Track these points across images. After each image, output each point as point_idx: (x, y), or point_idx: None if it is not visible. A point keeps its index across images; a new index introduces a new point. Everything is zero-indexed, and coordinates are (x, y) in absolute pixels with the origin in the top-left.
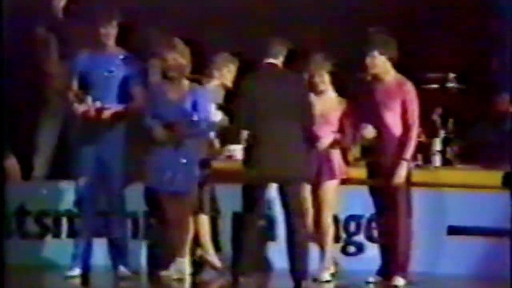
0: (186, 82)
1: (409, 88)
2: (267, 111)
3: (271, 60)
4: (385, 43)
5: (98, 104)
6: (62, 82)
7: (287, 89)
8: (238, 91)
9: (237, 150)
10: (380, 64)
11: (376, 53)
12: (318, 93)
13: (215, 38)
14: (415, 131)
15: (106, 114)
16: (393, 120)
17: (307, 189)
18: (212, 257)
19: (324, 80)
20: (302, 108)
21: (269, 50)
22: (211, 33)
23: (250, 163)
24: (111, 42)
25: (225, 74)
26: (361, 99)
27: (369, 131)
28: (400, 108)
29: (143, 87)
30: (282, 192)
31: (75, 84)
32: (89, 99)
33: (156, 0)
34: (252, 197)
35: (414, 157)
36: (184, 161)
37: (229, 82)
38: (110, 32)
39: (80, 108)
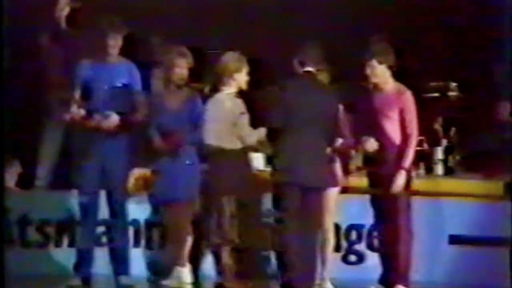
0: (186, 90)
1: (408, 97)
2: (297, 119)
3: (310, 69)
4: (384, 52)
5: (82, 111)
6: (65, 92)
7: (319, 100)
8: (272, 97)
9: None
10: (380, 73)
11: (375, 62)
12: None
13: (215, 45)
14: (414, 140)
15: (109, 123)
16: (392, 129)
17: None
18: None
19: None
20: (328, 121)
21: (310, 58)
22: (211, 40)
23: (276, 169)
24: (116, 52)
25: (238, 78)
26: (360, 107)
27: (371, 144)
28: (398, 116)
29: (146, 96)
30: (304, 200)
31: (78, 94)
32: (75, 107)
33: (158, 8)
34: (285, 202)
35: (416, 166)
36: (184, 167)
37: (243, 85)
38: (118, 42)
39: (66, 115)
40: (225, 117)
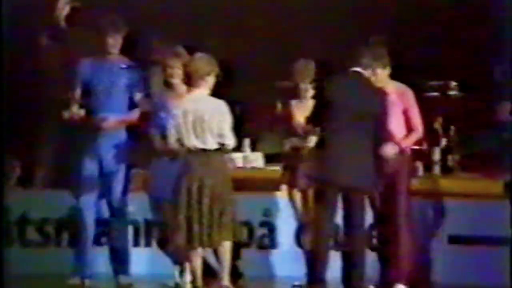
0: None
1: (410, 95)
2: (343, 118)
3: (358, 69)
4: (383, 55)
5: (82, 111)
6: (64, 91)
7: (367, 101)
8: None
9: (238, 158)
10: (383, 77)
11: (378, 67)
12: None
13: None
14: (418, 133)
15: (107, 123)
16: (397, 129)
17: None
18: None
19: (308, 88)
20: (375, 122)
21: (359, 59)
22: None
23: (318, 167)
24: (116, 50)
25: (209, 80)
26: None
27: (390, 149)
28: (403, 116)
29: (146, 95)
30: (346, 201)
31: (78, 92)
32: (75, 106)
33: (158, 8)
34: (324, 201)
35: (414, 168)
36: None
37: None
38: (118, 41)
39: (65, 114)
40: (211, 118)
